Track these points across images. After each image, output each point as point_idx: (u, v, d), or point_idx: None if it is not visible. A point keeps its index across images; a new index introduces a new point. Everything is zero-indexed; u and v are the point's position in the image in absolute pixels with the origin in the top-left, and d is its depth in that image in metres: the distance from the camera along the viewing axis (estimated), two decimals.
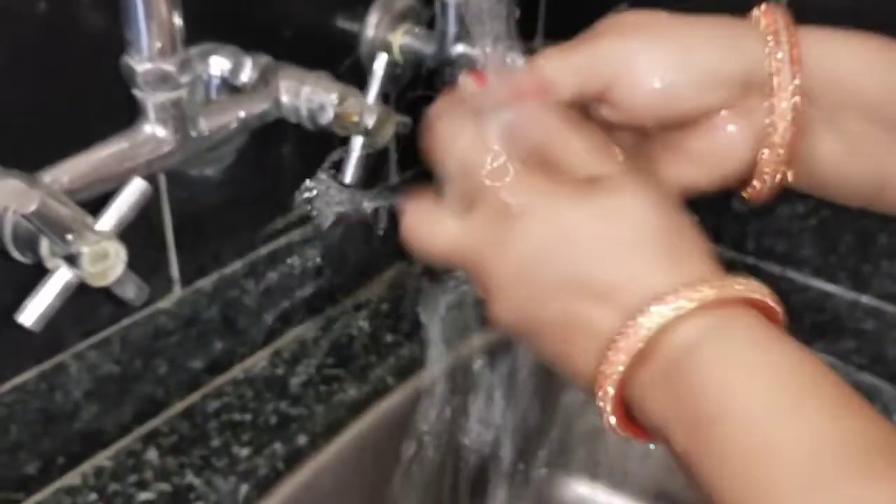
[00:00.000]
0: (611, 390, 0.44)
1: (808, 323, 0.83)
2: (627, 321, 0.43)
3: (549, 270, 0.45)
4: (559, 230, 0.45)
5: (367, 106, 0.61)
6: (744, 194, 0.55)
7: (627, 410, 0.45)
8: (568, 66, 0.50)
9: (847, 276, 0.86)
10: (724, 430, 0.41)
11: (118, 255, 0.46)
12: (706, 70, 0.51)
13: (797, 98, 0.51)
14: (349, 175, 0.64)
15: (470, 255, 0.47)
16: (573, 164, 0.47)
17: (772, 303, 0.44)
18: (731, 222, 0.91)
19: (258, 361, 0.77)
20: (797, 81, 0.51)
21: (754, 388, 0.42)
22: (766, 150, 0.52)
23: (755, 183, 0.53)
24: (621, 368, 0.43)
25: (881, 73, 0.53)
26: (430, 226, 0.49)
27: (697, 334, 0.43)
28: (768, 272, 0.90)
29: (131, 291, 0.49)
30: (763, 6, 0.53)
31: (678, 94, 0.51)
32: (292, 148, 0.73)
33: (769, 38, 0.51)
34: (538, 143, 0.48)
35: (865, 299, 0.85)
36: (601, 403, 0.45)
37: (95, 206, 0.51)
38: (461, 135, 0.48)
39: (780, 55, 0.51)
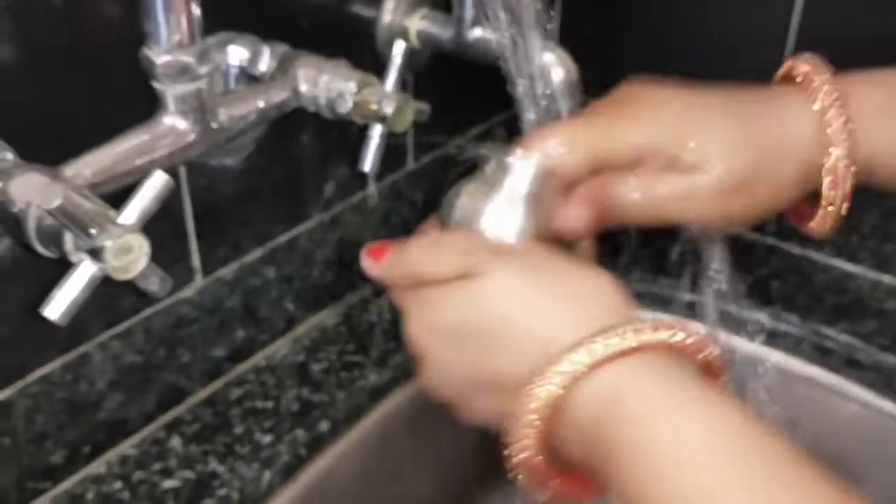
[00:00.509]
0: (526, 445, 0.46)
1: (829, 304, 0.83)
2: (535, 375, 0.44)
3: (450, 365, 0.49)
4: (442, 329, 0.49)
5: (386, 94, 0.61)
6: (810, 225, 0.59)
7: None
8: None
9: (869, 255, 0.86)
10: (647, 474, 0.42)
11: (141, 249, 0.46)
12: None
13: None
14: (368, 163, 0.63)
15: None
16: (443, 272, 0.50)
17: (691, 342, 0.46)
18: None
19: (279, 348, 0.77)
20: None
21: (680, 469, 0.42)
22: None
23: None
24: (534, 424, 0.45)
25: None
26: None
27: (608, 394, 0.44)
28: (789, 252, 0.89)
29: (155, 284, 0.49)
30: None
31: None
32: (311, 137, 0.72)
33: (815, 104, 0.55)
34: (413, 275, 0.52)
35: (887, 279, 0.85)
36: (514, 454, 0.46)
37: (117, 199, 0.51)
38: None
39: (832, 124, 0.54)
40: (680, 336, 0.45)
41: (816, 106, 0.54)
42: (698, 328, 0.47)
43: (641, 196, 0.54)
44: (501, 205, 0.51)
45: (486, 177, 0.52)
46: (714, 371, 0.46)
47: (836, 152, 0.54)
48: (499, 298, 0.47)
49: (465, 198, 0.52)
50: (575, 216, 0.54)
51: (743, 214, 0.55)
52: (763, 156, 0.54)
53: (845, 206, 0.56)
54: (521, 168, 0.51)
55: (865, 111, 0.54)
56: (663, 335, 0.45)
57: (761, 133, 0.54)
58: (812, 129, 0.54)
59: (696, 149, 0.53)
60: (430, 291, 0.49)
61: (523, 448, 0.45)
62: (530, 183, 0.51)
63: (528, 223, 0.51)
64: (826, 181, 0.55)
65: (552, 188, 0.52)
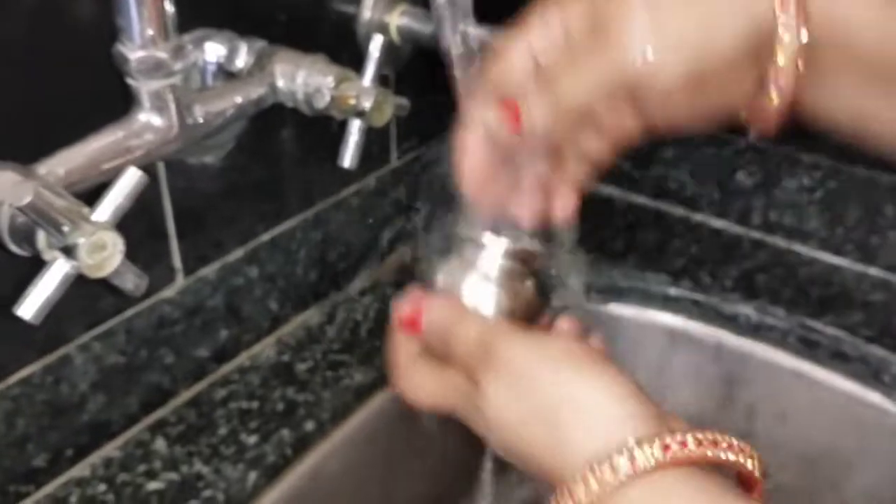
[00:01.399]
0: None
1: (815, 296, 0.83)
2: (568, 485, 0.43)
3: (508, 440, 0.48)
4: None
5: (364, 88, 0.61)
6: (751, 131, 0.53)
7: None
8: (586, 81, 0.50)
9: (854, 248, 0.86)
10: None
11: (115, 246, 0.46)
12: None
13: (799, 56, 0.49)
14: (348, 159, 0.63)
15: (453, 409, 0.51)
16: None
17: (734, 459, 0.43)
18: (737, 196, 0.91)
19: (264, 349, 0.76)
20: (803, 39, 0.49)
21: None
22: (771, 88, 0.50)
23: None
24: None
25: (880, 27, 0.50)
26: (415, 383, 0.53)
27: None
28: (775, 246, 0.89)
29: (130, 282, 0.48)
30: None
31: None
32: (292, 134, 0.72)
33: None
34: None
35: (873, 271, 0.85)
36: None
37: (91, 197, 0.50)
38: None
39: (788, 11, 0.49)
40: (721, 453, 0.43)
41: None
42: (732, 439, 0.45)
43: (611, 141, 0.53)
44: (477, 282, 0.52)
45: (461, 257, 0.53)
46: (750, 482, 0.45)
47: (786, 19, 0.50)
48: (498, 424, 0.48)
49: (443, 275, 0.54)
50: (561, 207, 0.53)
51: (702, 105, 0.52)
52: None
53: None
54: (493, 247, 0.52)
55: None
56: (701, 451, 0.43)
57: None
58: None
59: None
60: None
61: None
62: (502, 259, 0.52)
63: (504, 298, 0.52)
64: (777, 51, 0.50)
65: (523, 263, 0.53)
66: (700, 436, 0.43)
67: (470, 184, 0.51)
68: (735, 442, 0.43)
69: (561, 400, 0.45)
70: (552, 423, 0.45)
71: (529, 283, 0.53)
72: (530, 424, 0.46)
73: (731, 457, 0.43)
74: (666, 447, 0.42)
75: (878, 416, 0.75)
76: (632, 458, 0.42)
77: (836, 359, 0.78)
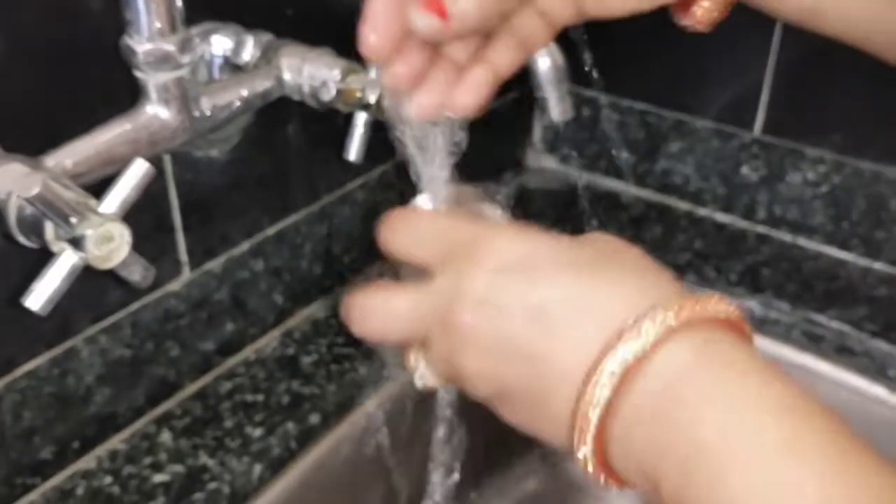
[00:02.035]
0: (590, 444, 0.41)
1: (820, 291, 0.83)
2: (605, 345, 0.40)
3: (513, 296, 0.43)
4: (520, 256, 0.43)
5: (370, 81, 0.61)
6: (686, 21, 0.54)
7: (608, 459, 0.42)
8: None
9: (859, 242, 0.86)
10: (713, 474, 0.38)
11: (122, 237, 0.46)
12: None
13: None
14: (353, 153, 0.63)
15: (439, 315, 0.45)
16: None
17: (740, 320, 0.42)
18: (741, 191, 0.91)
19: (269, 342, 0.77)
20: None
21: (743, 427, 0.38)
22: None
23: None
24: (595, 420, 0.40)
25: None
26: (394, 301, 0.47)
27: (673, 367, 0.40)
28: (779, 240, 0.89)
29: (137, 273, 0.49)
30: None
31: None
32: (298, 128, 0.72)
33: None
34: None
35: (878, 266, 0.85)
36: (583, 459, 0.41)
37: (99, 189, 0.50)
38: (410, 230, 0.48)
39: None
40: (734, 311, 0.41)
41: None
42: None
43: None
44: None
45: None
46: (747, 338, 0.43)
47: None
48: (558, 268, 0.43)
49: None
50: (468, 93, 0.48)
51: None
52: None
53: None
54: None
55: None
56: (719, 309, 0.41)
57: None
58: None
59: None
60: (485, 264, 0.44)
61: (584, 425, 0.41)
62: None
63: None
64: None
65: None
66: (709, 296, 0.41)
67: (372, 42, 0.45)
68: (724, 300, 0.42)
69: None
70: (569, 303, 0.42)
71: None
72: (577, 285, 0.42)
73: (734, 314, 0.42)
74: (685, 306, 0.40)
75: (882, 410, 0.75)
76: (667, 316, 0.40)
77: (841, 353, 0.78)
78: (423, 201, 0.51)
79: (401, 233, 0.48)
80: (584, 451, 0.41)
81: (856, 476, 0.37)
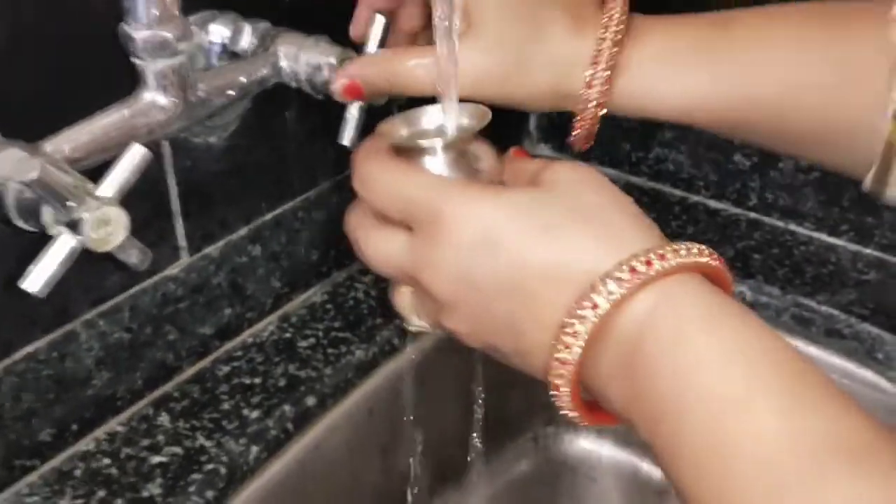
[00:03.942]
0: (566, 377, 0.43)
1: (810, 275, 0.84)
2: (575, 305, 0.42)
3: (483, 273, 0.45)
4: (481, 232, 0.45)
5: None
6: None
7: (587, 397, 0.44)
8: None
9: (850, 228, 0.86)
10: (679, 425, 0.40)
11: (120, 221, 0.47)
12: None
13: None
14: (347, 137, 0.64)
15: (412, 276, 0.48)
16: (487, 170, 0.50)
17: (721, 266, 0.44)
18: (733, 177, 0.91)
19: (267, 326, 0.77)
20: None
21: (711, 376, 0.40)
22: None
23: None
24: (576, 355, 0.42)
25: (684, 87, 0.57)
26: (373, 245, 0.50)
27: (647, 313, 0.41)
28: (771, 226, 0.90)
29: (135, 257, 0.49)
30: None
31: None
32: (295, 114, 0.73)
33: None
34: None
35: (868, 251, 0.86)
36: (557, 392, 0.44)
37: (96, 174, 0.51)
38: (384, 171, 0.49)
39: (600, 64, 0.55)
40: (712, 261, 0.43)
41: (601, 34, 0.55)
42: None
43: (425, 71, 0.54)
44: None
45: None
46: (727, 288, 0.45)
47: (590, 94, 0.55)
48: (552, 202, 0.45)
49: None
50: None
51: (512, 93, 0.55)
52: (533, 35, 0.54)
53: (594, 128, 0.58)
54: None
55: (644, 57, 0.55)
56: (701, 259, 0.43)
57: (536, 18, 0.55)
58: (586, 52, 0.55)
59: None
60: (472, 190, 0.47)
61: (560, 383, 0.43)
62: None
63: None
64: (578, 106, 0.57)
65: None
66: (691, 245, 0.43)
67: None
68: (705, 248, 0.44)
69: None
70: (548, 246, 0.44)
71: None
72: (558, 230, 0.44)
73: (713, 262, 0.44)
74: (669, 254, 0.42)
75: (871, 393, 0.76)
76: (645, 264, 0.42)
77: (831, 336, 0.79)
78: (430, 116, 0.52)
79: (369, 182, 0.50)
80: (564, 381, 0.43)
81: (812, 393, 0.39)
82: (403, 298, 0.51)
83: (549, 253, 0.44)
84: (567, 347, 0.42)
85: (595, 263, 0.42)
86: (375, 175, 0.49)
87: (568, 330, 0.42)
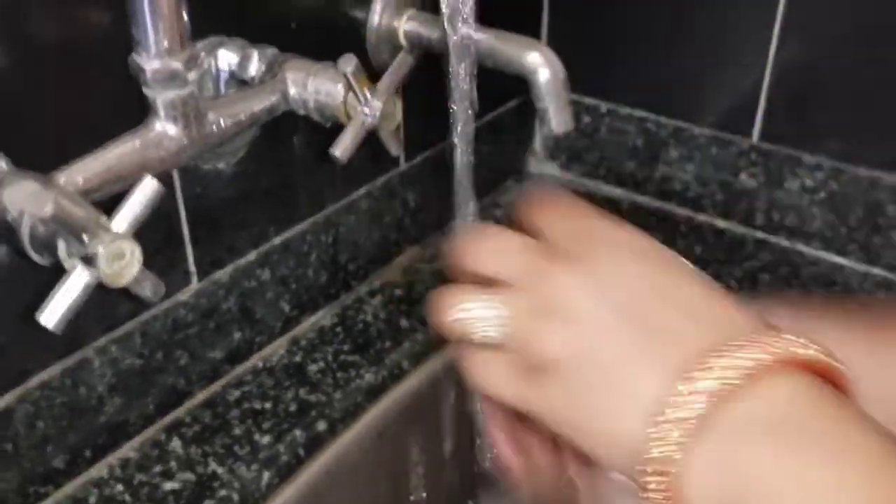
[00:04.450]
0: (658, 465, 0.39)
1: (818, 296, 0.84)
2: (677, 384, 0.38)
3: (599, 324, 0.42)
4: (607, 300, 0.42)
5: (374, 93, 0.62)
6: None
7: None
8: None
9: (857, 248, 0.87)
10: None
11: (134, 255, 0.47)
12: None
13: None
14: (340, 149, 0.64)
15: (517, 280, 0.44)
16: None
17: (836, 364, 0.39)
18: (740, 197, 0.91)
19: (276, 350, 0.78)
20: None
21: (817, 486, 0.36)
22: None
23: None
24: (677, 439, 0.38)
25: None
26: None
27: (754, 411, 0.38)
28: (778, 246, 0.90)
29: (148, 289, 0.50)
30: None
31: None
32: (302, 139, 0.73)
33: None
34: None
35: (876, 271, 0.86)
36: (646, 479, 0.39)
37: (109, 205, 0.52)
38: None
39: None
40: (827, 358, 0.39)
41: None
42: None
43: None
44: None
45: None
46: (842, 388, 0.40)
47: None
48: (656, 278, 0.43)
49: None
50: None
51: None
52: None
53: None
54: None
55: None
56: (809, 352, 0.39)
57: None
58: None
59: None
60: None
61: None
62: None
63: None
64: None
65: None
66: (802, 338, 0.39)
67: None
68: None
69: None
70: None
71: None
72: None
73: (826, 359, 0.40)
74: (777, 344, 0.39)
75: None
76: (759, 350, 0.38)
77: None
78: None
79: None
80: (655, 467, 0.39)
81: None
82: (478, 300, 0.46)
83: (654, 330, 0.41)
84: (664, 431, 0.39)
85: (699, 344, 0.40)
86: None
87: (666, 413, 0.39)
